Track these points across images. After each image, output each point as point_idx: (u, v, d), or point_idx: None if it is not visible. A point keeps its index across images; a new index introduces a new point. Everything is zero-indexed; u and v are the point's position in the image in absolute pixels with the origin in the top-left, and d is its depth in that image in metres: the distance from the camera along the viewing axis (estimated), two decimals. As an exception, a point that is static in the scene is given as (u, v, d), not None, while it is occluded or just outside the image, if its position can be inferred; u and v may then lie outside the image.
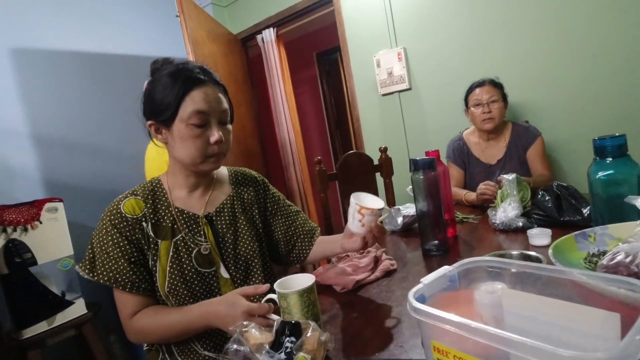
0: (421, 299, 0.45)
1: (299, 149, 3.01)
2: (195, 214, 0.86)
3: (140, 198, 0.83)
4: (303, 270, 1.30)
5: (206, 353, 0.81)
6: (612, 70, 1.68)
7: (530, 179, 1.34)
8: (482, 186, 1.40)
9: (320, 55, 4.22)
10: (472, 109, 1.65)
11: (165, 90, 0.78)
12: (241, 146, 2.67)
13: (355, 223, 0.80)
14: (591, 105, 1.75)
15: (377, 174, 1.87)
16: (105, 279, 0.77)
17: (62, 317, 1.67)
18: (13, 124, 1.99)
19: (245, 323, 0.65)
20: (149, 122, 0.82)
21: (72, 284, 1.73)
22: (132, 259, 0.79)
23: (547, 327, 0.41)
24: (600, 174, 0.76)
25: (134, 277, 0.78)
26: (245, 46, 3.09)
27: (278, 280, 0.71)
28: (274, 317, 0.68)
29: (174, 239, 0.82)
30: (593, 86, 1.73)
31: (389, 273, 0.95)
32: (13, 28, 2.03)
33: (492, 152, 1.68)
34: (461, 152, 1.74)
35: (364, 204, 0.78)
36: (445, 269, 0.50)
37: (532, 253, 0.82)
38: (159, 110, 0.79)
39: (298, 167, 2.99)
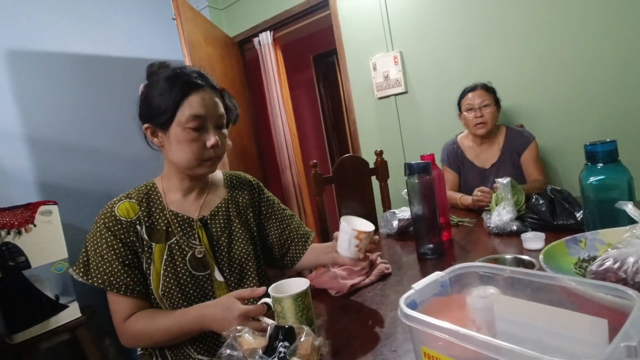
0: (412, 304, 0.45)
1: (296, 152, 3.01)
2: (189, 217, 0.86)
3: (134, 201, 0.84)
4: (300, 274, 1.31)
5: (199, 357, 0.81)
6: (606, 75, 1.70)
7: (524, 185, 1.35)
8: (477, 192, 1.40)
9: (317, 58, 4.23)
10: (465, 113, 1.66)
11: (163, 94, 0.78)
12: (238, 149, 2.67)
13: (352, 249, 0.78)
14: (585, 109, 1.76)
15: (373, 177, 1.88)
16: (100, 282, 0.77)
17: (56, 321, 1.66)
18: (7, 125, 1.98)
19: (238, 328, 0.65)
20: (145, 126, 0.83)
21: (67, 287, 1.71)
22: (127, 262, 0.79)
23: (537, 332, 0.41)
24: (592, 179, 0.77)
25: (128, 279, 0.78)
26: (242, 49, 3.10)
27: (273, 285, 0.71)
28: (268, 320, 0.68)
29: (168, 242, 0.82)
30: (587, 90, 1.75)
31: (383, 277, 0.95)
32: (8, 30, 2.03)
33: (486, 156, 1.69)
34: (455, 156, 1.75)
35: (360, 229, 0.77)
36: (436, 274, 0.50)
37: (526, 257, 0.82)
38: (155, 114, 0.79)
39: (294, 170, 2.99)
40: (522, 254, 0.86)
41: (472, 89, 1.67)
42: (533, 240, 0.95)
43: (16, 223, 1.61)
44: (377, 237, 0.96)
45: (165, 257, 0.81)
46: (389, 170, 1.88)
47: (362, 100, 2.47)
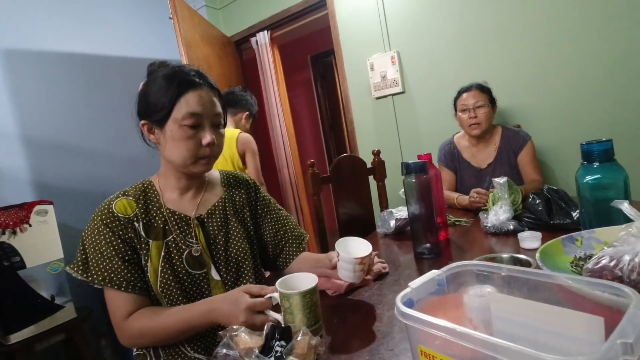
0: (409, 303, 0.45)
1: (293, 152, 3.01)
2: (186, 216, 0.86)
3: (131, 198, 0.83)
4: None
5: (196, 355, 0.81)
6: (603, 76, 1.71)
7: (522, 187, 1.35)
8: (474, 194, 1.41)
9: (314, 58, 4.23)
10: (460, 114, 1.67)
11: (160, 91, 0.79)
12: (235, 149, 2.66)
13: (357, 274, 0.77)
14: (581, 109, 1.77)
15: (370, 177, 1.88)
16: (100, 279, 0.76)
17: (51, 322, 1.65)
18: (3, 125, 1.96)
19: (235, 327, 0.64)
20: (142, 122, 0.83)
21: (62, 287, 1.70)
22: (126, 258, 0.78)
23: (534, 330, 0.41)
24: (588, 178, 0.77)
25: (129, 275, 0.77)
26: (239, 49, 3.09)
27: (280, 279, 0.70)
28: (275, 315, 0.68)
29: (165, 240, 0.82)
30: (583, 91, 1.76)
31: (381, 276, 0.95)
32: (4, 29, 2.01)
33: (482, 156, 1.69)
34: (452, 156, 1.75)
35: (361, 254, 0.76)
36: (433, 273, 0.50)
37: (522, 256, 0.83)
38: (152, 111, 0.80)
39: (292, 169, 2.99)
40: (519, 253, 0.86)
41: (467, 89, 1.67)
42: (530, 239, 0.96)
43: (11, 223, 1.60)
44: (375, 252, 0.97)
45: (163, 254, 0.81)
46: (386, 170, 1.88)
47: (359, 100, 2.47)
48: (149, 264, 0.80)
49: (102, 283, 0.76)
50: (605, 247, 0.52)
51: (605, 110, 1.72)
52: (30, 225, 1.65)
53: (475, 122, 1.61)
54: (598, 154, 0.76)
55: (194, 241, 0.85)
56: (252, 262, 0.92)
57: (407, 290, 0.47)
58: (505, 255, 0.85)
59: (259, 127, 3.22)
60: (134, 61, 2.56)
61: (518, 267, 0.48)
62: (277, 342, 0.61)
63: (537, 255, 0.63)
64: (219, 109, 0.85)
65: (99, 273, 0.76)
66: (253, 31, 2.89)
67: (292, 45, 3.99)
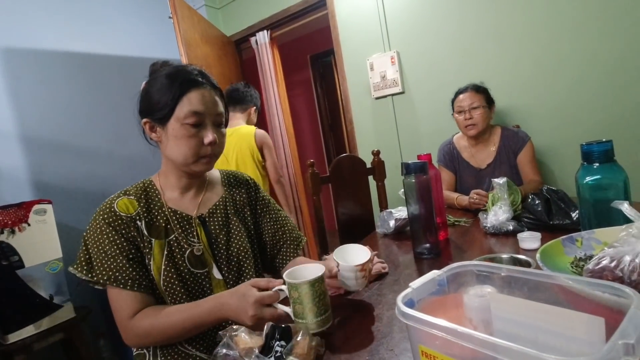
0: (410, 303, 0.45)
1: (292, 152, 3.01)
2: (188, 215, 0.86)
3: (133, 198, 0.83)
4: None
5: (197, 354, 0.81)
6: (602, 76, 1.71)
7: (521, 187, 1.35)
8: (473, 195, 1.41)
9: (314, 58, 4.23)
10: (456, 115, 1.69)
11: (163, 89, 0.79)
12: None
13: (360, 281, 0.76)
14: (581, 109, 1.77)
15: (370, 177, 1.88)
16: (105, 278, 0.75)
17: (50, 321, 1.64)
18: (1, 124, 1.96)
19: (235, 327, 0.64)
20: (144, 120, 0.83)
21: (61, 287, 1.70)
22: (130, 256, 0.78)
23: (534, 331, 0.41)
24: (588, 178, 0.77)
25: (134, 273, 0.77)
26: (239, 48, 3.09)
27: (287, 271, 0.70)
28: (284, 307, 0.68)
29: (167, 239, 0.82)
30: (583, 91, 1.76)
31: (380, 276, 0.95)
32: (3, 28, 2.01)
33: (481, 156, 1.70)
34: (451, 156, 1.76)
35: (361, 260, 0.76)
36: (434, 273, 0.50)
37: (522, 256, 0.83)
38: (155, 109, 0.80)
39: (291, 169, 2.99)
40: (519, 254, 0.86)
41: (463, 90, 1.68)
42: (529, 240, 0.96)
43: (10, 222, 1.60)
44: (375, 252, 0.96)
45: (165, 253, 0.81)
46: (385, 170, 1.88)
47: (359, 100, 2.47)
48: (151, 262, 0.80)
49: (108, 282, 0.75)
50: (605, 248, 0.52)
51: (605, 111, 1.72)
52: (29, 225, 1.64)
53: (470, 123, 1.62)
54: (598, 154, 0.76)
55: (195, 240, 0.85)
56: (254, 261, 0.92)
57: (408, 290, 0.47)
58: (505, 256, 0.86)
59: (259, 127, 3.21)
60: (134, 60, 2.56)
61: (518, 268, 0.48)
62: (277, 342, 0.61)
63: (538, 255, 0.63)
64: (221, 108, 0.85)
65: (104, 272, 0.76)
66: (253, 31, 2.89)
67: (292, 45, 3.99)
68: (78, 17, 2.31)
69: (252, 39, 2.91)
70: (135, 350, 0.84)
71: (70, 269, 0.80)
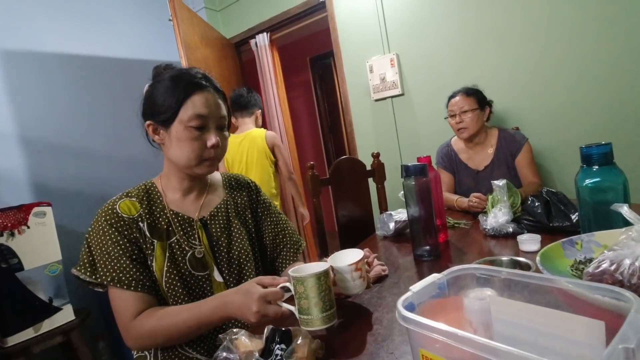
0: (410, 307, 0.45)
1: (292, 154, 3.01)
2: (190, 217, 0.86)
3: (135, 199, 0.84)
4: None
5: (198, 356, 0.81)
6: (601, 78, 1.71)
7: (521, 189, 1.35)
8: (473, 198, 1.41)
9: (313, 60, 4.24)
10: (449, 119, 1.71)
11: (167, 92, 0.80)
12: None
13: (357, 282, 0.75)
14: (580, 112, 1.78)
15: (370, 179, 1.88)
16: (109, 279, 0.75)
17: (49, 324, 1.64)
18: (1, 126, 1.96)
19: (235, 330, 0.64)
20: (148, 123, 0.83)
21: (60, 289, 1.70)
22: (134, 257, 0.78)
23: (534, 334, 0.41)
24: (587, 181, 0.77)
25: (137, 274, 0.77)
26: (239, 50, 3.09)
27: (292, 268, 0.70)
28: (288, 306, 0.67)
29: (169, 241, 0.82)
30: (582, 93, 1.76)
31: (380, 279, 0.95)
32: (2, 30, 2.01)
33: (479, 158, 1.70)
34: (450, 158, 1.76)
35: (356, 259, 0.75)
36: (434, 276, 0.50)
37: (522, 259, 0.83)
38: (159, 111, 0.81)
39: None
40: (518, 256, 0.86)
41: (454, 95, 1.70)
42: (529, 242, 0.96)
43: (9, 225, 1.60)
44: (375, 255, 0.96)
45: (167, 255, 0.81)
46: (385, 172, 1.88)
47: (358, 102, 2.48)
48: (154, 264, 0.80)
49: (111, 283, 0.75)
50: (605, 251, 0.52)
51: (604, 113, 1.72)
52: (28, 227, 1.64)
53: (461, 126, 1.64)
54: (597, 157, 0.77)
55: (197, 243, 0.85)
56: (255, 263, 0.92)
57: (408, 294, 0.47)
58: (505, 258, 0.86)
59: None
60: (133, 63, 2.56)
61: (519, 271, 0.48)
62: (277, 345, 0.61)
63: (538, 258, 0.63)
64: (224, 112, 0.85)
65: (108, 273, 0.76)
66: (252, 33, 2.89)
67: (292, 47, 4.00)
68: (78, 19, 2.32)
69: (252, 41, 2.92)
70: (135, 353, 0.83)
71: (74, 270, 0.80)
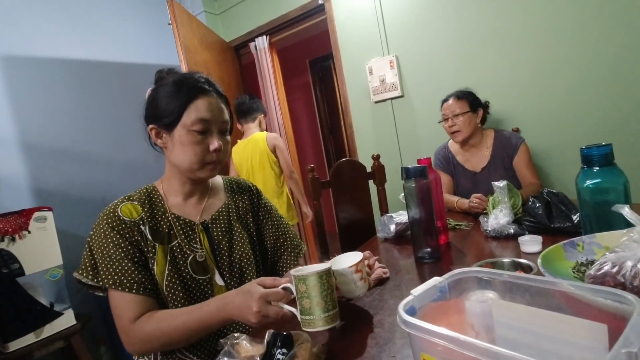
0: (411, 310, 0.45)
1: (292, 156, 3.01)
2: (191, 221, 0.87)
3: (136, 203, 0.84)
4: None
5: None
6: (601, 79, 1.71)
7: (521, 191, 1.35)
8: (474, 199, 1.41)
9: (313, 62, 4.25)
10: (443, 122, 1.72)
11: (170, 96, 0.81)
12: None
13: (359, 284, 0.74)
14: (580, 113, 1.78)
15: (370, 181, 1.88)
16: (111, 282, 0.75)
17: (51, 329, 1.64)
18: (1, 131, 1.96)
19: (236, 335, 0.64)
20: (151, 126, 0.84)
21: (61, 294, 1.69)
22: (135, 259, 0.78)
23: (536, 337, 0.41)
24: (588, 182, 0.77)
25: (139, 277, 0.77)
26: (238, 54, 3.10)
27: (293, 269, 0.69)
28: (289, 307, 0.67)
29: (170, 245, 0.83)
30: (581, 94, 1.76)
31: (381, 281, 0.95)
32: (2, 35, 2.02)
33: (475, 160, 1.70)
34: (447, 160, 1.77)
35: (355, 261, 0.74)
36: (435, 280, 0.50)
37: (524, 261, 0.83)
38: (162, 115, 0.81)
39: (291, 173, 2.99)
40: (520, 257, 0.86)
41: (446, 99, 1.72)
42: (530, 243, 0.95)
43: (10, 230, 1.60)
44: (376, 257, 0.96)
45: (169, 258, 0.81)
46: (385, 174, 1.88)
47: (358, 104, 2.48)
48: (155, 267, 0.80)
49: (113, 286, 0.75)
50: (607, 253, 0.52)
51: (604, 114, 1.72)
52: (29, 232, 1.64)
53: (454, 130, 1.66)
54: (598, 158, 0.76)
55: (198, 246, 0.85)
56: (256, 267, 0.92)
57: (410, 298, 0.46)
58: (506, 260, 0.86)
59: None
60: (133, 67, 2.57)
61: (520, 274, 0.48)
62: (279, 350, 0.60)
63: (539, 261, 0.63)
64: (227, 116, 0.86)
65: (110, 276, 0.76)
66: (252, 36, 2.90)
67: (291, 50, 4.01)
68: (77, 24, 2.33)
69: (252, 44, 2.93)
70: (136, 358, 0.83)
71: (75, 274, 0.80)
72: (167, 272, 0.80)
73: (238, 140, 2.36)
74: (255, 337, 0.64)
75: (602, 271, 0.50)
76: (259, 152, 2.23)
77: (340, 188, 1.72)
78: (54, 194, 2.08)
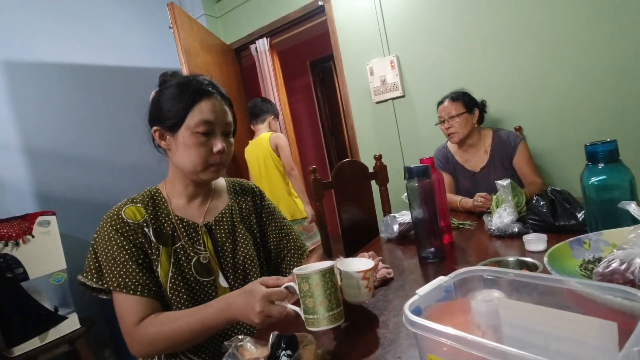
0: (417, 310, 0.45)
1: (294, 158, 3.00)
2: (195, 223, 0.87)
3: (140, 205, 0.84)
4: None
5: None
6: (601, 77, 1.70)
7: (524, 190, 1.34)
8: (478, 198, 1.40)
9: (313, 63, 4.25)
10: (439, 124, 1.73)
11: (174, 98, 0.81)
12: (236, 156, 2.67)
13: (363, 291, 0.73)
14: (582, 110, 1.77)
15: (373, 182, 1.87)
16: (115, 284, 0.75)
17: (55, 333, 1.64)
18: (4, 136, 1.97)
19: (240, 337, 0.64)
20: (154, 128, 0.84)
21: (65, 298, 1.70)
22: (139, 261, 0.78)
23: (544, 337, 0.40)
24: (593, 179, 0.76)
25: (144, 278, 0.77)
26: (239, 56, 3.11)
27: (296, 268, 0.68)
28: (292, 307, 0.66)
29: (174, 247, 0.83)
30: (584, 92, 1.75)
31: (385, 282, 0.94)
32: (4, 40, 2.03)
33: (474, 160, 1.70)
34: (447, 160, 1.77)
35: (365, 267, 0.73)
36: (440, 279, 0.50)
37: (529, 259, 0.82)
38: (166, 117, 0.81)
39: (293, 175, 2.99)
40: (525, 256, 0.85)
41: (442, 101, 1.73)
42: (535, 242, 0.95)
43: (14, 234, 1.60)
44: (379, 258, 0.96)
45: (172, 260, 0.81)
46: (388, 174, 1.88)
47: (359, 105, 2.48)
48: (159, 269, 0.80)
49: (117, 289, 0.75)
50: (614, 250, 0.52)
51: (607, 110, 1.71)
52: (33, 237, 1.65)
53: (451, 131, 1.67)
54: (603, 154, 0.76)
55: (202, 248, 0.85)
56: (260, 268, 0.92)
57: (415, 297, 0.46)
58: (511, 259, 0.85)
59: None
60: (134, 70, 2.57)
61: (526, 273, 0.47)
62: (283, 352, 0.60)
63: (545, 259, 0.62)
64: (230, 118, 0.86)
65: (115, 279, 0.76)
66: (252, 38, 2.90)
67: (292, 51, 4.01)
68: (79, 28, 2.34)
69: (252, 47, 2.93)
70: (140, 360, 0.83)
71: (80, 277, 0.80)
72: (171, 274, 0.80)
73: (249, 141, 2.49)
74: (260, 339, 0.64)
75: (611, 268, 0.49)
76: (263, 151, 2.33)
77: (342, 189, 1.72)
78: (58, 198, 2.08)
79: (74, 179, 2.18)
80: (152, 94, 0.87)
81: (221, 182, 0.99)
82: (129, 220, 0.80)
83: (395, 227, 1.31)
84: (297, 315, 0.65)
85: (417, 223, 1.04)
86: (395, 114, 2.33)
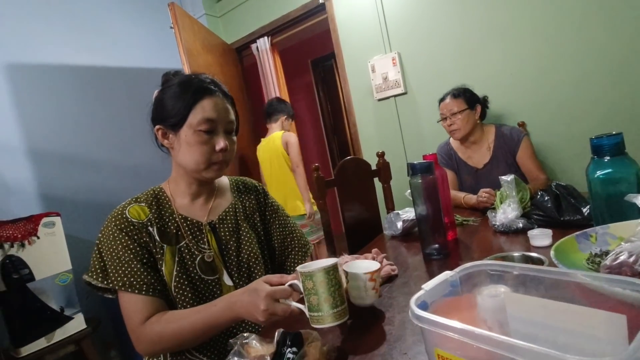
0: (423, 305, 0.44)
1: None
2: (199, 222, 0.87)
3: (144, 204, 0.84)
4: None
5: None
6: (606, 71, 1.69)
7: (528, 185, 1.34)
8: (482, 194, 1.39)
9: (315, 62, 4.25)
10: (442, 122, 1.72)
11: (177, 97, 0.81)
12: (238, 155, 2.67)
13: (370, 293, 0.73)
14: (587, 105, 1.75)
15: (375, 179, 1.87)
16: (121, 284, 0.76)
17: (61, 333, 1.65)
18: (9, 138, 1.98)
19: (245, 335, 0.64)
20: (157, 127, 0.84)
21: (71, 298, 1.71)
22: (144, 261, 0.79)
23: (552, 331, 0.40)
24: (599, 172, 0.76)
25: (148, 277, 0.77)
26: (240, 55, 3.11)
27: (299, 266, 0.68)
28: (297, 304, 0.66)
29: (178, 246, 0.83)
30: (587, 87, 1.74)
31: (390, 278, 0.94)
32: (7, 43, 2.04)
33: (477, 156, 1.69)
34: (450, 157, 1.76)
35: (372, 269, 0.73)
36: (446, 274, 0.49)
37: (534, 254, 0.81)
38: (168, 116, 0.82)
39: (296, 174, 2.99)
40: (530, 252, 0.85)
41: (443, 98, 1.72)
42: (540, 237, 0.94)
43: (19, 236, 1.61)
44: (384, 255, 0.96)
45: (177, 259, 0.81)
46: (391, 171, 1.87)
47: (361, 103, 2.47)
48: (163, 268, 0.80)
49: (123, 288, 0.76)
50: (622, 243, 0.51)
51: (610, 107, 1.70)
52: (38, 238, 1.66)
53: (453, 128, 1.66)
54: (608, 147, 0.75)
55: (206, 247, 0.85)
56: (264, 266, 0.92)
57: (421, 292, 0.46)
58: (516, 254, 0.84)
59: (262, 132, 3.22)
60: (136, 71, 2.58)
61: (533, 266, 0.47)
62: (289, 349, 0.60)
63: (552, 252, 0.62)
64: (232, 116, 0.86)
65: (120, 278, 0.76)
66: (253, 37, 2.90)
67: (293, 50, 4.00)
68: (81, 30, 2.35)
69: (253, 46, 2.93)
70: (146, 359, 0.83)
71: (85, 277, 0.80)
72: (175, 272, 0.80)
73: (262, 139, 2.59)
74: (265, 337, 0.64)
75: (619, 261, 0.48)
76: (275, 149, 2.43)
77: (345, 186, 1.72)
78: (62, 200, 2.10)
79: (77, 180, 2.19)
80: (155, 93, 0.87)
81: (224, 180, 0.99)
82: (133, 220, 0.80)
83: (399, 224, 1.31)
84: (302, 312, 0.65)
85: (420, 220, 1.04)
86: (397, 111, 2.32)
